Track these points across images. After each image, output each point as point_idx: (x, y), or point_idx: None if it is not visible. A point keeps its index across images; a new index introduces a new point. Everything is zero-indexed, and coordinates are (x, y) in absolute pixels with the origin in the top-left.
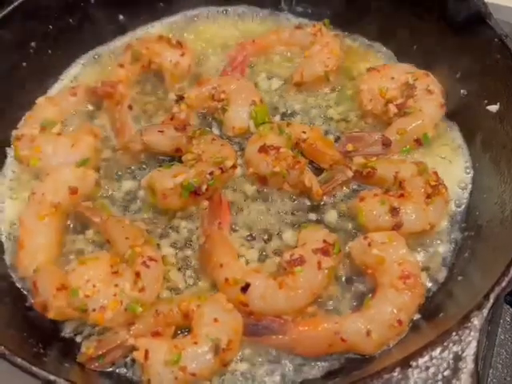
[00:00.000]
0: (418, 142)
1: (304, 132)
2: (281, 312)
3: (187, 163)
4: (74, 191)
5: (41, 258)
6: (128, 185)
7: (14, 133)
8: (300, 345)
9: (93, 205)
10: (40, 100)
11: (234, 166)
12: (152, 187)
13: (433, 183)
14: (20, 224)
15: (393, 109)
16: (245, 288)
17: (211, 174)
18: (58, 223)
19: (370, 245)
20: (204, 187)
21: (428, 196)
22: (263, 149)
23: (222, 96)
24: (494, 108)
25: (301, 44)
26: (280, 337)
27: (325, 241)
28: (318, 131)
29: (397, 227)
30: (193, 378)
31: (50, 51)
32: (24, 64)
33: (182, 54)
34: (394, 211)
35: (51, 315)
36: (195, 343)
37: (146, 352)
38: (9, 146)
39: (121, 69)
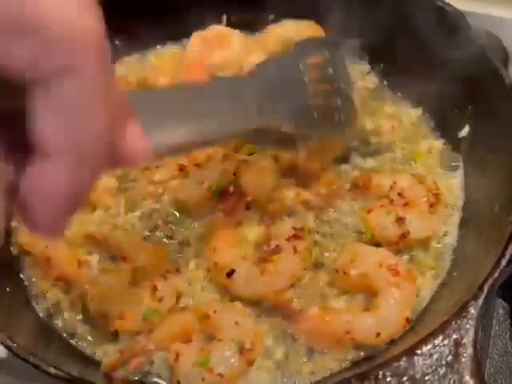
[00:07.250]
0: None
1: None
2: (260, 296)
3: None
4: None
5: None
6: None
7: None
8: (308, 337)
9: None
10: None
11: None
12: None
13: (434, 191)
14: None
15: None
16: (230, 273)
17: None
18: None
19: (345, 272)
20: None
21: (431, 205)
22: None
23: None
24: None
25: None
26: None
27: (294, 228)
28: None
29: (403, 236)
30: (220, 378)
31: None
32: None
33: None
34: (400, 221)
35: None
36: (221, 346)
37: (177, 355)
38: None
39: None
